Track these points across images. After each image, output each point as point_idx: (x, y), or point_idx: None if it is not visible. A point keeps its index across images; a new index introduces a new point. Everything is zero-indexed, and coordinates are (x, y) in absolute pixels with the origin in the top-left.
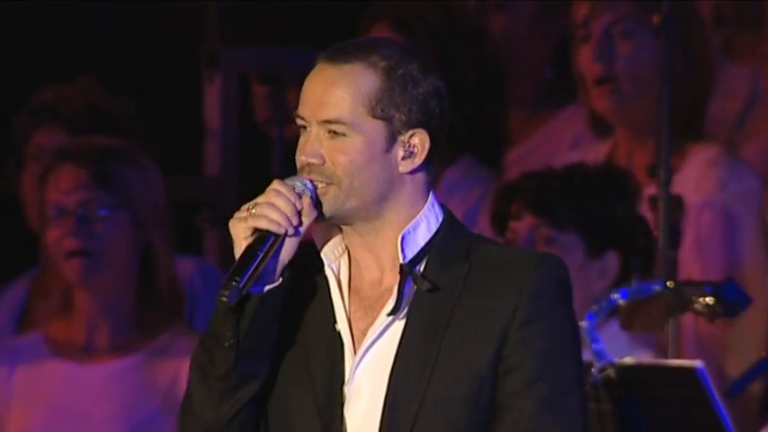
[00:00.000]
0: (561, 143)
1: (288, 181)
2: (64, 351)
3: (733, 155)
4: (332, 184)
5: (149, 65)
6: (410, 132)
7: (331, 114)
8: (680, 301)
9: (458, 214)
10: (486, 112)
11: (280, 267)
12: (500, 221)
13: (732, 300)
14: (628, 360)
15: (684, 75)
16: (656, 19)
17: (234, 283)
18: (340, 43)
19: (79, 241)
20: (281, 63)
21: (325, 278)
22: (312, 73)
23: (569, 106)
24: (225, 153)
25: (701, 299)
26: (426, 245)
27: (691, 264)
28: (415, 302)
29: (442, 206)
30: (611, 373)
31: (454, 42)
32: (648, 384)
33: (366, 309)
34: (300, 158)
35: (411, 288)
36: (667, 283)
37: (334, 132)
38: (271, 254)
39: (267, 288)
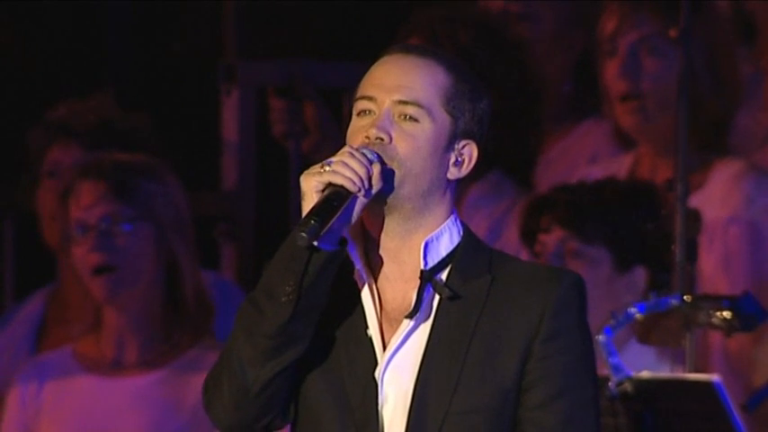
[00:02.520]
0: (579, 157)
1: (358, 148)
2: (93, 366)
3: (758, 169)
4: (391, 166)
5: (167, 79)
6: (464, 142)
7: (410, 96)
8: (697, 315)
9: (484, 228)
10: (518, 129)
11: (342, 232)
12: (529, 234)
13: (749, 314)
14: (645, 374)
15: (710, 90)
16: (672, 33)
17: (313, 221)
18: (406, 43)
19: (103, 256)
20: (298, 77)
21: (355, 286)
22: (384, 61)
23: (587, 120)
24: (242, 167)
25: (718, 313)
26: (448, 256)
27: (718, 279)
28: (439, 312)
29: (462, 222)
30: (627, 387)
31: (487, 62)
32: (665, 398)
33: (391, 321)
34: (371, 132)
35: (432, 296)
36: (684, 298)
37: (407, 117)
38: (341, 210)
39: (333, 249)
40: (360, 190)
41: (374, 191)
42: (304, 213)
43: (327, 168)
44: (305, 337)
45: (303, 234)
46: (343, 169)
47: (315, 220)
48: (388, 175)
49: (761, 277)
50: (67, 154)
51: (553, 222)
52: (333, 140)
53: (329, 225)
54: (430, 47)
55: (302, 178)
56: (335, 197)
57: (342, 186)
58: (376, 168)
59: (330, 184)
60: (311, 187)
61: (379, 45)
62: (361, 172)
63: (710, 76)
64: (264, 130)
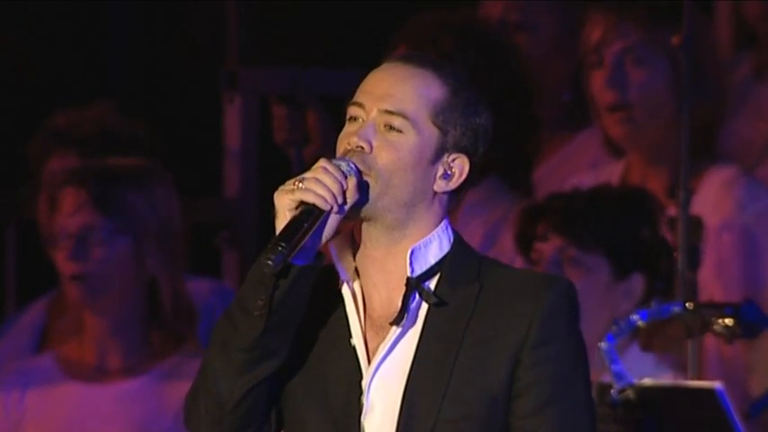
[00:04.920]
0: (578, 165)
1: (334, 161)
2: (76, 372)
3: (750, 175)
4: (368, 175)
5: (169, 86)
6: (454, 155)
7: (397, 106)
8: (699, 322)
9: (480, 234)
10: (509, 134)
11: (318, 247)
12: (525, 242)
13: (751, 321)
14: (647, 381)
15: (697, 97)
16: (675, 40)
17: (280, 248)
18: (408, 52)
19: (78, 265)
20: (300, 84)
21: (340, 295)
22: (380, 69)
23: (587, 128)
24: (244, 174)
25: (720, 320)
26: (437, 264)
27: (711, 286)
28: (427, 321)
29: (453, 229)
30: (630, 394)
31: (472, 67)
32: (668, 405)
33: (377, 329)
34: (352, 140)
35: (420, 304)
36: (687, 305)
37: (391, 127)
38: (314, 228)
39: (305, 264)
40: (332, 207)
41: (349, 204)
42: (277, 232)
43: (300, 185)
44: (280, 352)
45: (269, 262)
46: (316, 186)
47: (282, 247)
48: (363, 187)
49: (754, 283)
50: (67, 162)
51: (550, 230)
52: (334, 148)
53: (299, 247)
54: (432, 57)
55: (275, 196)
56: (306, 217)
57: (314, 204)
58: (351, 182)
59: (302, 202)
60: (283, 206)
61: (381, 52)
62: (334, 188)
63: (697, 82)
64: (266, 137)
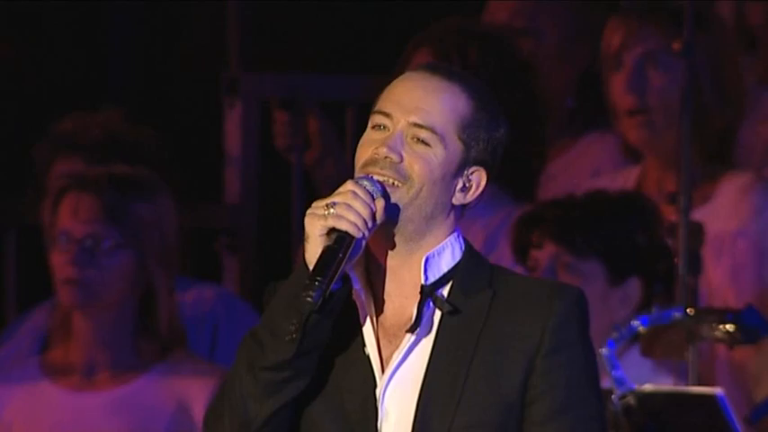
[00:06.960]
0: (581, 171)
1: (360, 182)
2: (63, 378)
3: (766, 181)
4: (404, 184)
5: (170, 91)
6: (474, 168)
7: (426, 120)
8: (700, 328)
9: (480, 239)
10: (519, 150)
11: (346, 269)
12: (521, 250)
13: (752, 326)
14: (648, 387)
15: (714, 103)
16: (676, 46)
17: (317, 283)
18: (434, 62)
19: (79, 271)
20: (301, 89)
21: (352, 303)
22: (408, 78)
23: (590, 134)
24: (244, 179)
25: (721, 326)
26: (449, 271)
27: (725, 291)
28: (441, 328)
29: (464, 238)
30: (631, 400)
31: (492, 81)
32: (668, 411)
33: (390, 337)
34: (380, 150)
35: (433, 312)
36: (687, 310)
37: (419, 139)
38: (347, 255)
39: (337, 289)
40: (363, 235)
41: (377, 226)
42: (307, 256)
43: (332, 211)
44: (308, 372)
45: (309, 299)
46: (348, 213)
47: (319, 281)
48: (391, 209)
49: None
50: (73, 167)
51: (544, 238)
52: (335, 154)
53: (338, 273)
54: (457, 69)
55: (306, 220)
56: (339, 246)
57: (346, 232)
58: (379, 204)
59: (334, 229)
60: (315, 232)
61: (381, 59)
62: (365, 213)
63: (715, 87)
64: (267, 142)
